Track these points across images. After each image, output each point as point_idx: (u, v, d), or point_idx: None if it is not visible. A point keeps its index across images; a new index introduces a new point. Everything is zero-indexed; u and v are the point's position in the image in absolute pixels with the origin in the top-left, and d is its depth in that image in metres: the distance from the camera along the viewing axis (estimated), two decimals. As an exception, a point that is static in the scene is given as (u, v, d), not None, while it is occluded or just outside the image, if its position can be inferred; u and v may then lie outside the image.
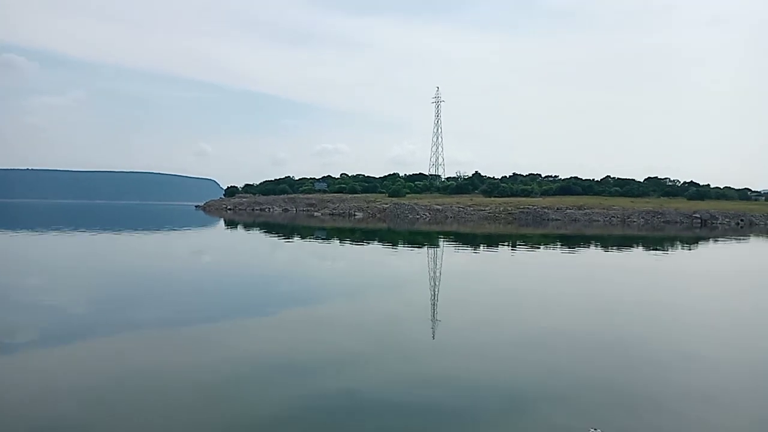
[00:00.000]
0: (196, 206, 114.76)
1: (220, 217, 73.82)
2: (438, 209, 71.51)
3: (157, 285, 16.77)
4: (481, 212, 69.16)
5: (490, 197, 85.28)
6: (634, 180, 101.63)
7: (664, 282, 19.77)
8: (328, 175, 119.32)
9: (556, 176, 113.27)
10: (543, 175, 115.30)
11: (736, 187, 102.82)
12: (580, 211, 64.43)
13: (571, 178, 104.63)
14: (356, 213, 75.71)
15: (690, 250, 34.95)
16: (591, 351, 9.65)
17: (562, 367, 8.53)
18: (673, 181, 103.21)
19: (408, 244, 36.16)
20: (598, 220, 61.74)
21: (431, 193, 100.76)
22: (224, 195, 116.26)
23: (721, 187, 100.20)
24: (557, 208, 67.36)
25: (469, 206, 72.17)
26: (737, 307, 14.67)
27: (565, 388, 7.55)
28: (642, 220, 60.12)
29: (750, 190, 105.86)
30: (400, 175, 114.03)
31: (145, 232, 44.23)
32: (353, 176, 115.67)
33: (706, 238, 43.45)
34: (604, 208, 65.43)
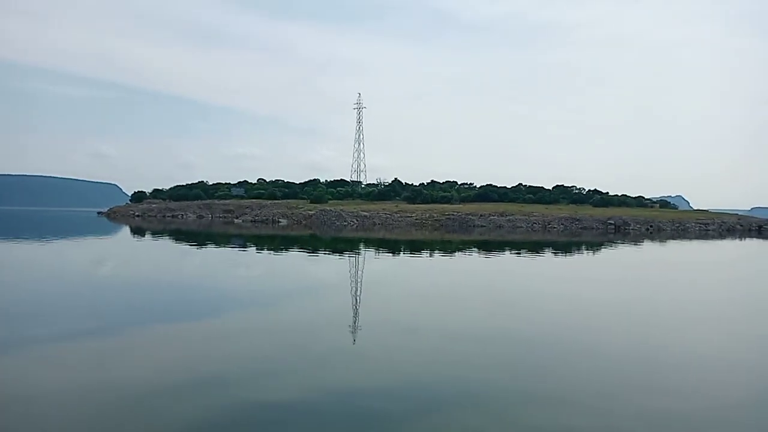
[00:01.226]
0: (98, 213, 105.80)
1: (127, 224, 67.83)
2: (365, 216, 70.47)
3: (54, 298, 14.94)
4: (408, 219, 69.02)
5: (413, 204, 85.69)
6: (543, 188, 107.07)
7: (578, 284, 20.48)
8: (245, 181, 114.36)
9: (471, 184, 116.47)
10: (459, 182, 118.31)
11: (633, 195, 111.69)
12: (503, 218, 66.15)
13: (487, 185, 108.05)
14: (280, 220, 72.73)
15: (600, 252, 36.55)
16: (504, 352, 9.91)
17: (477, 369, 8.70)
18: (579, 188, 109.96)
19: (333, 251, 34.90)
20: (521, 227, 63.68)
21: (354, 199, 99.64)
22: (131, 201, 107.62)
23: (619, 195, 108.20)
24: (480, 215, 68.73)
25: (396, 213, 71.82)
26: (637, 302, 15.78)
27: (480, 390, 7.71)
28: (561, 226, 62.77)
29: (644, 197, 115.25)
30: (321, 181, 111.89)
31: (37, 241, 39.00)
32: (272, 182, 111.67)
33: (634, 242, 45.93)
34: (525, 215, 67.67)
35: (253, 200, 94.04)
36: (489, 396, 7.53)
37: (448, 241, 45.13)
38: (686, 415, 6.96)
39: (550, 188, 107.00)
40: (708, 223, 64.72)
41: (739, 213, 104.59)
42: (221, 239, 43.56)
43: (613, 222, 61.98)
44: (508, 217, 65.82)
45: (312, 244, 41.30)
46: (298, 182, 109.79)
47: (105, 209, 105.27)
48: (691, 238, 53.58)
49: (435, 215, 69.60)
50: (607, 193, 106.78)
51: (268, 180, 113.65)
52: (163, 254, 31.56)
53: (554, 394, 7.55)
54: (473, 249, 37.62)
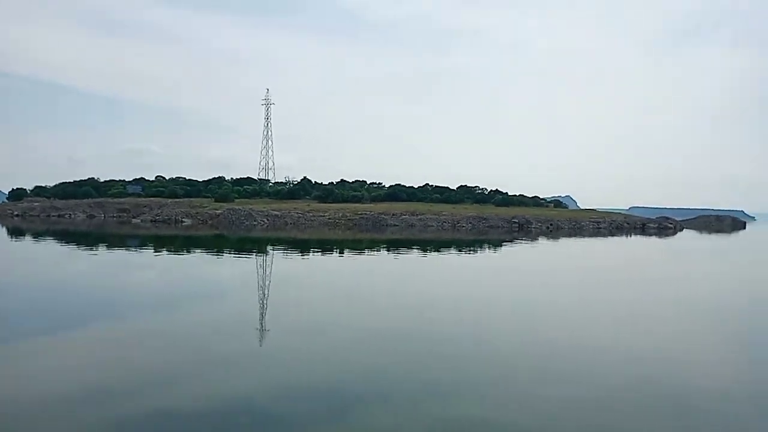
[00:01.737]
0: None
1: (3, 225, 60.62)
2: (276, 215, 68.46)
3: None
4: (321, 218, 68.04)
5: (325, 203, 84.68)
6: (449, 188, 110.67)
7: (483, 280, 21.75)
8: (141, 177, 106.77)
9: (380, 183, 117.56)
10: (368, 182, 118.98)
11: (529, 195, 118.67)
12: (415, 217, 67.29)
13: (396, 185, 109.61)
14: (184, 219, 68.55)
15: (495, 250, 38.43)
16: (408, 348, 10.11)
17: (384, 366, 8.86)
18: (482, 189, 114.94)
19: (240, 251, 33.62)
20: (432, 225, 65.14)
21: (262, 197, 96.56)
22: (8, 199, 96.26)
23: (518, 195, 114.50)
24: (393, 214, 69.40)
25: (308, 212, 70.51)
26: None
27: (387, 387, 7.80)
28: (470, 225, 65.03)
29: (539, 197, 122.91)
30: (227, 178, 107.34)
31: None
32: (172, 179, 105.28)
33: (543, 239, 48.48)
34: (435, 214, 69.31)
35: (152, 199, 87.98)
36: (397, 392, 7.58)
37: (358, 240, 45.09)
38: (573, 399, 7.42)
39: (455, 188, 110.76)
40: (600, 222, 70.27)
41: (621, 212, 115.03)
42: (115, 240, 40.25)
43: (517, 221, 65.32)
44: (419, 217, 67.08)
45: (217, 244, 39.40)
46: (201, 180, 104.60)
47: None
48: (585, 236, 57.76)
49: (348, 214, 69.23)
50: (507, 193, 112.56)
51: (168, 177, 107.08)
52: (48, 256, 28.36)
53: (458, 386, 7.79)
54: (383, 248, 37.85)
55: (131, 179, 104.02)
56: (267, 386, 7.79)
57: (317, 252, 34.11)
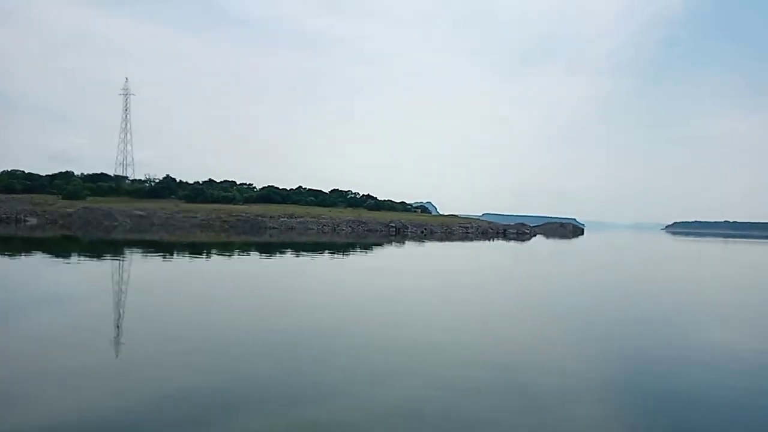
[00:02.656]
0: None
1: None
2: (141, 215, 63.01)
3: None
4: (193, 219, 64.06)
5: (194, 203, 79.83)
6: (322, 191, 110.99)
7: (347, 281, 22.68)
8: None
9: (251, 184, 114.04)
10: (238, 183, 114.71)
11: (397, 200, 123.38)
12: (294, 220, 66.44)
13: (269, 186, 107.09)
14: (28, 218, 60.07)
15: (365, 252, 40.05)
16: (269, 352, 10.12)
17: (243, 371, 8.75)
18: (355, 193, 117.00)
19: (92, 255, 30.51)
20: (313, 228, 64.84)
21: (120, 196, 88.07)
22: None
23: (386, 200, 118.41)
24: (270, 216, 67.79)
25: (178, 213, 65.93)
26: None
27: (246, 393, 7.71)
28: (349, 228, 65.86)
29: (406, 203, 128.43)
30: (76, 173, 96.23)
31: None
32: (7, 171, 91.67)
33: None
34: (314, 217, 69.04)
35: (-18, 193, 75.84)
36: (258, 398, 7.49)
37: (229, 243, 43.37)
38: (411, 396, 7.77)
39: (328, 192, 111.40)
40: (468, 227, 75.48)
41: (475, 218, 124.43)
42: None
43: (394, 225, 67.62)
44: (298, 219, 66.31)
45: (66, 246, 35.29)
46: (44, 174, 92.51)
47: None
48: (456, 240, 61.72)
49: (222, 216, 66.06)
50: (376, 198, 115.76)
51: (26, 171, 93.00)
52: None
53: (320, 388, 7.88)
54: (256, 251, 36.92)
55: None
56: (122, 398, 7.37)
57: (185, 254, 32.15)
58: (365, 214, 76.03)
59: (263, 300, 16.55)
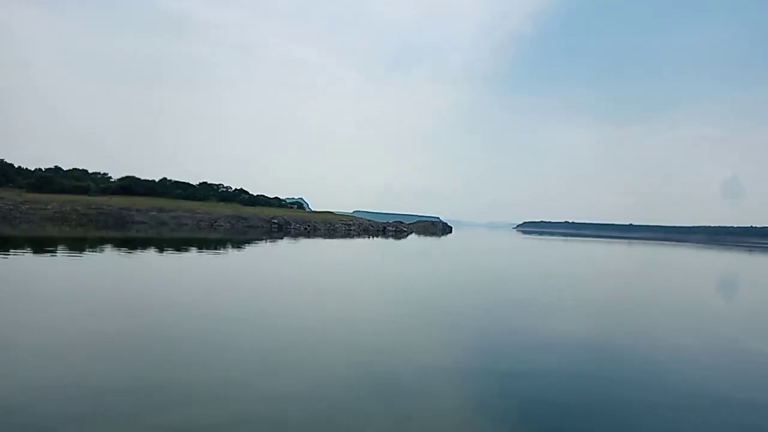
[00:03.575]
0: None
1: None
2: (-24, 206, 53.84)
3: None
4: (43, 211, 56.35)
5: (42, 193, 70.12)
6: (190, 184, 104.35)
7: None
8: None
9: (106, 174, 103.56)
10: (90, 171, 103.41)
11: (270, 196, 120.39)
12: (166, 214, 61.65)
13: (129, 177, 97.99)
14: None
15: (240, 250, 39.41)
16: (125, 354, 9.81)
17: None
18: (226, 187, 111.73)
19: None
20: (187, 224, 60.71)
21: (-61, 182, 74.54)
22: None
23: (257, 194, 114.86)
24: (137, 209, 62.18)
25: (23, 203, 57.54)
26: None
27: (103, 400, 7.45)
28: (228, 224, 62.80)
29: (280, 198, 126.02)
30: None
31: None
32: None
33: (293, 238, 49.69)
34: (188, 211, 64.73)
35: None
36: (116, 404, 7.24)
37: (82, 238, 39.21)
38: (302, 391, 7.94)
39: (197, 185, 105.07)
40: (350, 224, 76.06)
41: (349, 215, 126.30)
42: None
43: (276, 221, 65.86)
44: (171, 213, 61.64)
45: None
46: None
47: None
48: (339, 237, 62.00)
49: (78, 208, 59.07)
50: (249, 192, 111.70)
51: None
52: None
53: (187, 385, 7.90)
54: (118, 247, 34.11)
55: None
56: None
57: (47, 252, 28.52)
58: (244, 210, 73.02)
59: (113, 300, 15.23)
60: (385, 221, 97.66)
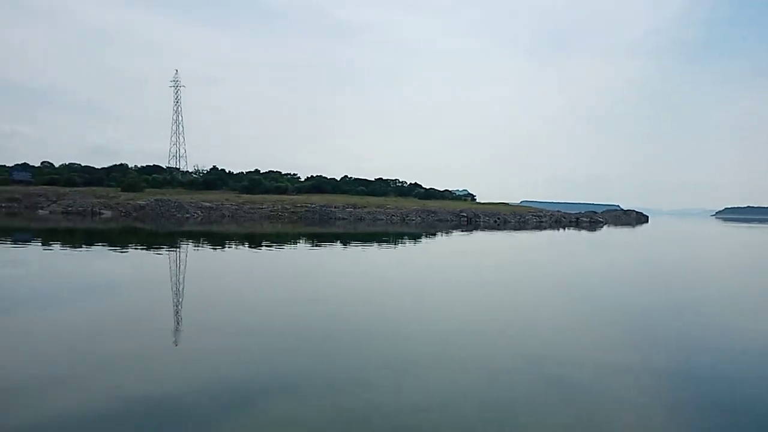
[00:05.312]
0: None
1: None
2: (210, 207, 62.40)
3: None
4: (260, 210, 63.22)
5: (252, 194, 79.14)
6: (368, 180, 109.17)
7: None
8: (25, 163, 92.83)
9: (295, 174, 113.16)
10: (282, 173, 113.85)
11: (440, 189, 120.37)
12: (362, 210, 65.11)
13: (317, 176, 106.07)
14: (102, 211, 60.02)
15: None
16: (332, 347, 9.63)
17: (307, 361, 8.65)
18: (402, 182, 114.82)
19: (203, 246, 29.37)
20: (382, 219, 63.40)
21: (174, 187, 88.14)
22: None
23: (428, 188, 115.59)
24: (335, 207, 66.59)
25: (243, 204, 65.21)
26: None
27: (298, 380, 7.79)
28: (419, 218, 64.23)
29: (448, 190, 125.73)
30: (130, 166, 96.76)
31: None
32: (66, 165, 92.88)
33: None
34: (379, 207, 67.62)
35: (46, 187, 76.54)
36: (308, 386, 7.35)
37: (315, 234, 42.08)
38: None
39: (373, 180, 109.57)
40: (541, 216, 73.11)
41: (514, 205, 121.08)
42: (63, 237, 33.49)
43: (465, 214, 65.69)
44: (366, 210, 64.95)
45: (170, 240, 34.28)
46: (98, 167, 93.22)
47: None
48: (530, 229, 59.57)
49: (288, 206, 65.10)
50: (422, 186, 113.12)
51: (58, 165, 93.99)
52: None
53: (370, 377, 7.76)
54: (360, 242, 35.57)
55: (12, 165, 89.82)
56: (180, 383, 7.45)
57: (276, 246, 30.88)
58: (430, 204, 74.17)
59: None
60: (556, 210, 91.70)
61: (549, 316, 12.82)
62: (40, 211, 60.44)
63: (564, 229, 63.17)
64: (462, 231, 51.53)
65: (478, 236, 45.88)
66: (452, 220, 65.54)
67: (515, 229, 58.70)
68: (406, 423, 6.20)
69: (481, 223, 65.50)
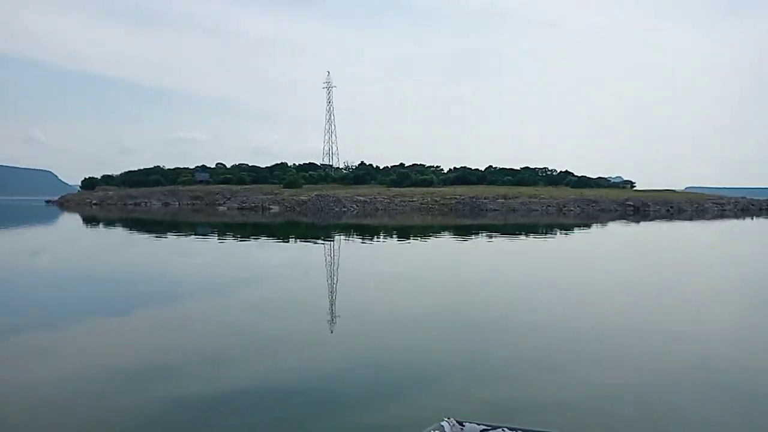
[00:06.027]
0: (47, 201, 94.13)
1: (90, 214, 58.68)
2: (365, 201, 64.99)
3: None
4: (411, 203, 64.27)
5: (400, 187, 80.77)
6: (515, 169, 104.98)
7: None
8: (203, 165, 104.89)
9: (439, 167, 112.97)
10: (426, 165, 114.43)
11: (593, 176, 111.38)
12: (515, 201, 62.95)
13: (462, 167, 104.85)
14: (271, 207, 65.67)
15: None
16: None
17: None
18: (551, 170, 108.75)
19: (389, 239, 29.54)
20: (536, 210, 60.77)
21: (328, 183, 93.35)
22: (81, 188, 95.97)
23: (579, 175, 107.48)
24: (485, 198, 65.17)
25: (396, 197, 66.79)
26: None
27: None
28: (578, 208, 60.39)
29: (603, 177, 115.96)
30: (289, 164, 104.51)
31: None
32: (236, 165, 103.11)
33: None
34: (532, 197, 64.81)
35: (221, 186, 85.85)
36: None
37: (485, 225, 40.96)
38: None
39: (519, 169, 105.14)
40: (723, 204, 64.56)
41: (679, 191, 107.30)
42: (239, 230, 37.02)
43: (632, 203, 60.24)
44: (519, 200, 62.64)
45: (345, 230, 35.63)
46: (264, 166, 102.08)
47: (53, 198, 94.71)
48: (710, 218, 52.62)
49: (438, 199, 65.22)
50: (574, 174, 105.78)
51: (229, 165, 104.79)
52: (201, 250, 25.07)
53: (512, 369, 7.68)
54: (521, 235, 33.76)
55: (182, 167, 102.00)
56: (335, 366, 7.78)
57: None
58: (588, 192, 69.31)
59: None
60: (741, 197, 79.44)
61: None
62: (219, 207, 67.82)
63: (753, 218, 54.87)
64: (629, 221, 47.24)
65: (661, 228, 41.65)
66: (616, 210, 60.42)
67: (690, 218, 52.32)
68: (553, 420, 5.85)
69: (651, 212, 59.45)
